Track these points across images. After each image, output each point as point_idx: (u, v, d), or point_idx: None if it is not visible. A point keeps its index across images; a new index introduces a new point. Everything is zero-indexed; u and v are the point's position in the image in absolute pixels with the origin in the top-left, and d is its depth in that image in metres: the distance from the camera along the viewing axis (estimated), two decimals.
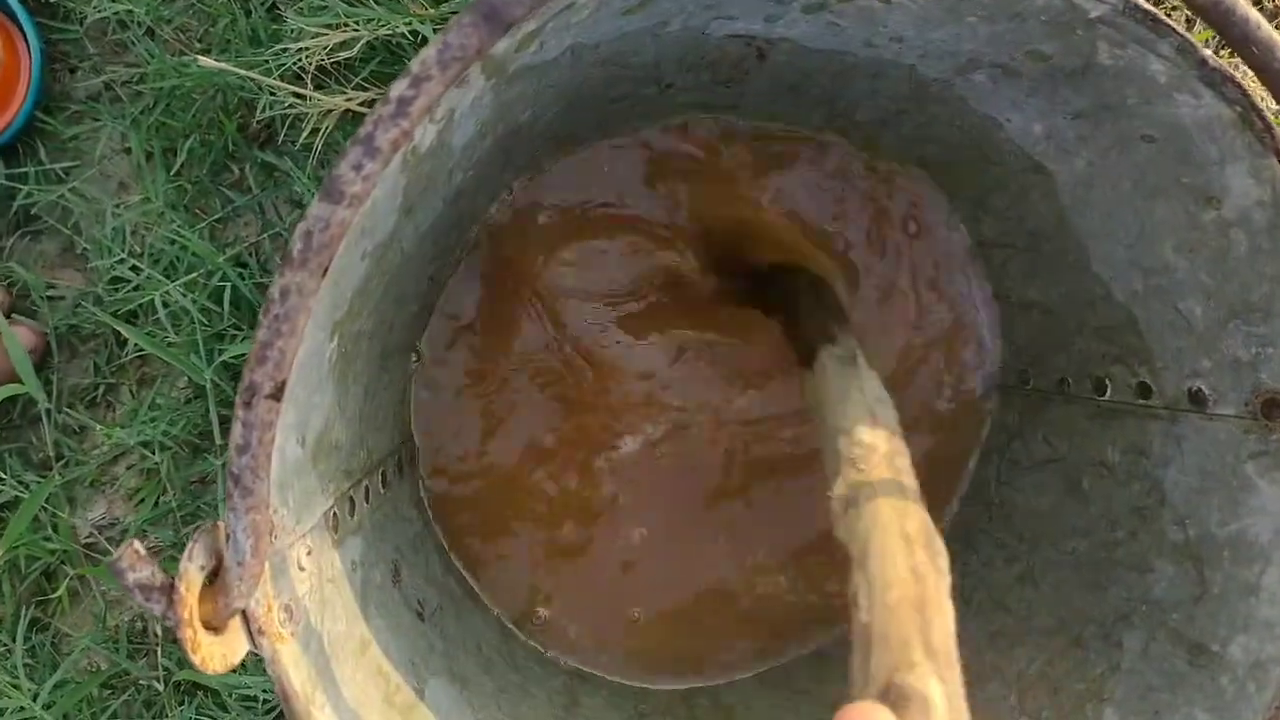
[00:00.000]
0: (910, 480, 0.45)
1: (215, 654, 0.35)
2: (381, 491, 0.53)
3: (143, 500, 0.77)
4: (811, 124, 0.61)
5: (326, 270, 0.33)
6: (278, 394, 0.33)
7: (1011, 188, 0.55)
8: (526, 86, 0.45)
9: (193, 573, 0.34)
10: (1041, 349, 0.60)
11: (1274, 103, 0.45)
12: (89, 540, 0.78)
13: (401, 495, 0.56)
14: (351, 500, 0.47)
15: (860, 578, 0.40)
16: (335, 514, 0.45)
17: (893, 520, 0.42)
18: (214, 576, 0.35)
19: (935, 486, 0.61)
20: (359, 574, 0.47)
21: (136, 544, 0.35)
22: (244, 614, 0.36)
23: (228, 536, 0.34)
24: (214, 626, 0.35)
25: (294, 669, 0.37)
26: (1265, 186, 0.44)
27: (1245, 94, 0.42)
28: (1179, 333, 0.50)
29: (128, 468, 0.78)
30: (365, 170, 0.32)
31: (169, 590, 0.34)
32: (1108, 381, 0.55)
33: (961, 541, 0.65)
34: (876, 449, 0.45)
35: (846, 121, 0.59)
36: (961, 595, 0.63)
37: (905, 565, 0.40)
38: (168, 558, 0.77)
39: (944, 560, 0.41)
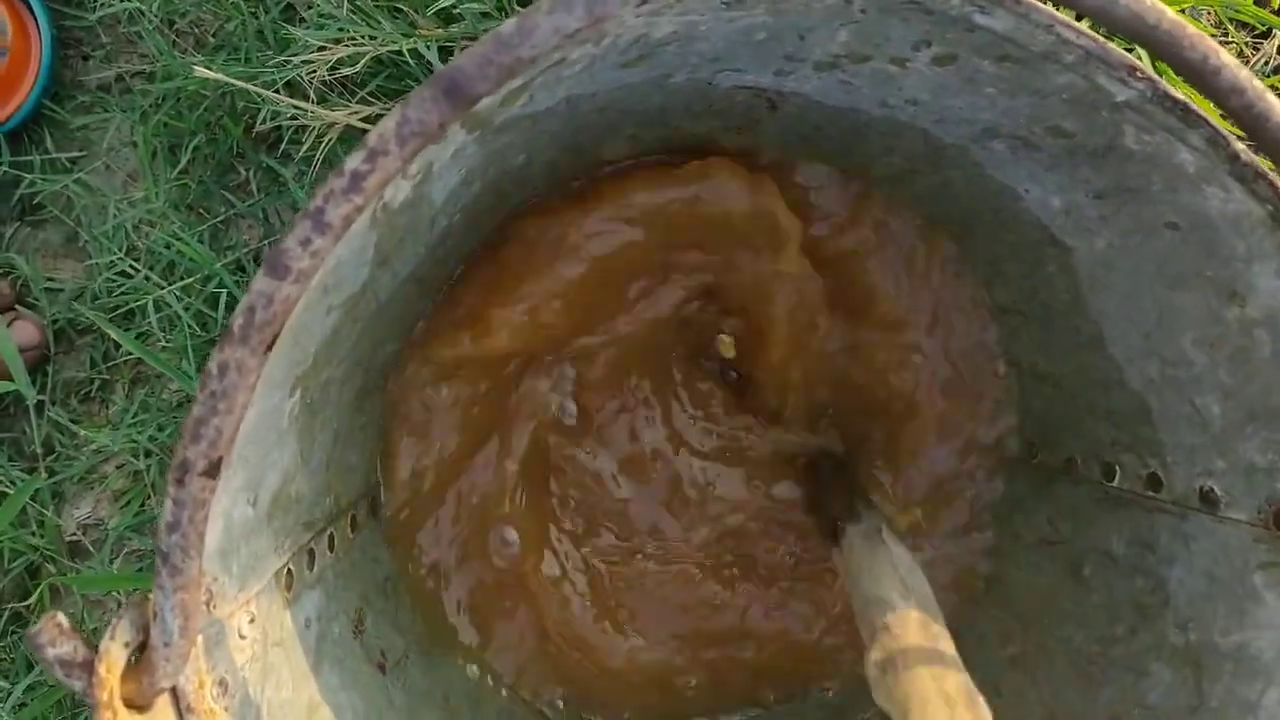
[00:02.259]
0: (946, 645, 0.46)
1: None
2: (350, 536, 0.51)
3: (128, 503, 0.76)
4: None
5: (271, 345, 0.31)
6: (213, 471, 0.32)
7: (1028, 257, 0.52)
8: (517, 135, 0.43)
9: (115, 651, 0.33)
10: (1051, 424, 0.57)
11: None
12: (73, 538, 0.77)
13: (373, 536, 0.54)
14: (311, 553, 0.46)
15: None
16: (290, 571, 0.43)
17: (930, 683, 0.44)
18: (141, 651, 0.34)
19: None
20: (314, 630, 0.45)
21: (60, 616, 0.33)
22: (173, 690, 0.35)
23: (155, 614, 0.33)
24: (138, 705, 0.34)
25: None
26: None
27: (1277, 192, 0.39)
28: (1194, 428, 0.47)
29: (117, 467, 0.77)
30: (313, 246, 0.30)
31: (90, 668, 0.33)
32: (1117, 468, 0.52)
33: (952, 613, 0.62)
34: (910, 617, 0.47)
35: (863, 174, 0.56)
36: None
37: None
38: (150, 563, 0.75)
39: (987, 715, 0.43)
